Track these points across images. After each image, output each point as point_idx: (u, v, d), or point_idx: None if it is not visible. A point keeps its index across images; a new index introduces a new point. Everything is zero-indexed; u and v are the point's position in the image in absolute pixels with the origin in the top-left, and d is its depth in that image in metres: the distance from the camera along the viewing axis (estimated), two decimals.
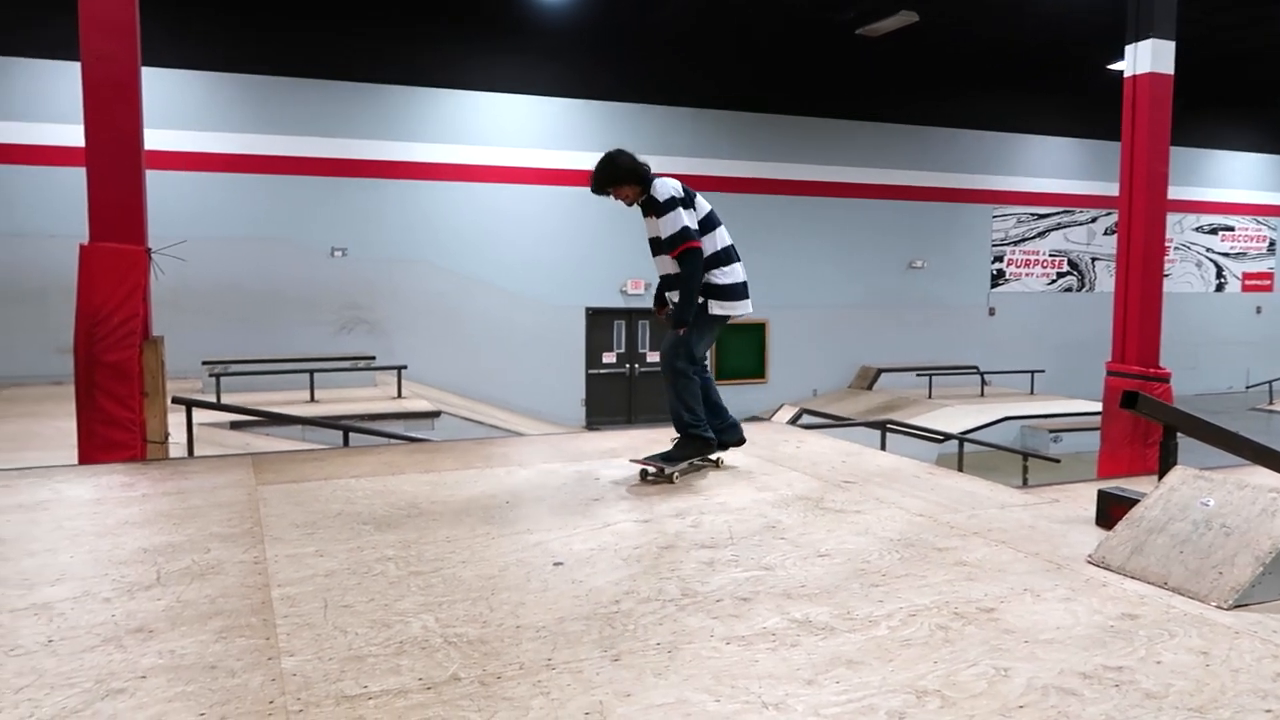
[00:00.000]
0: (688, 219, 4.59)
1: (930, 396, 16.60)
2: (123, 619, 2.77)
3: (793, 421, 10.06)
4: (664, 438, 5.73)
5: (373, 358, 14.10)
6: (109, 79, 5.68)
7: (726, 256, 4.75)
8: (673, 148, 16.29)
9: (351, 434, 7.82)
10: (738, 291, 4.77)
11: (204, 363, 12.47)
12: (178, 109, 13.42)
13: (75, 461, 5.46)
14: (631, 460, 4.82)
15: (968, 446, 10.85)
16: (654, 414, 16.69)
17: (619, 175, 4.64)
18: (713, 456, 4.96)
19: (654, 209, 4.65)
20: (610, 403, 16.76)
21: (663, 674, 2.41)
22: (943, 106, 18.49)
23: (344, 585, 3.07)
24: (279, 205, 14.22)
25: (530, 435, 9.18)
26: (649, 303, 17.23)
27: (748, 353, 17.72)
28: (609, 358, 16.83)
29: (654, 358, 17.10)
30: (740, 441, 5.02)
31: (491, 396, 15.26)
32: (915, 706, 2.23)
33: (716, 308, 4.71)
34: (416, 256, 15.11)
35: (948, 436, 11.10)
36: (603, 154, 4.71)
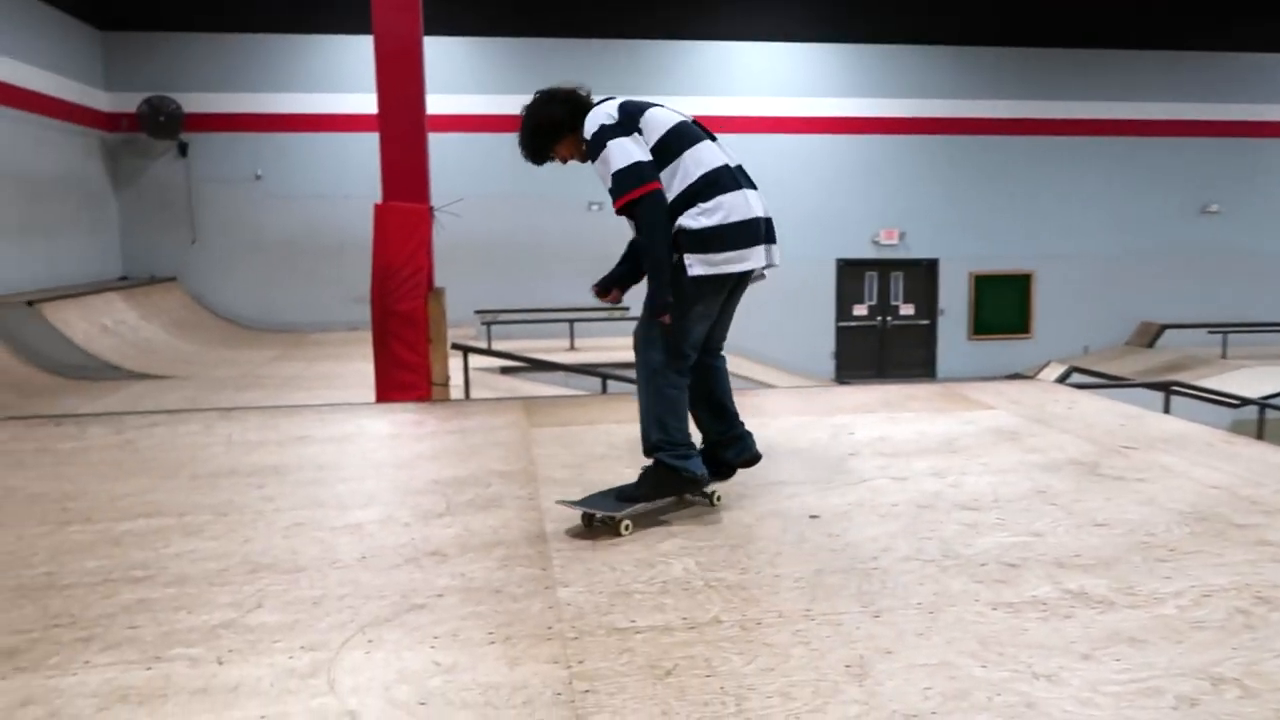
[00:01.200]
0: (635, 149, 3.15)
1: (1224, 356, 14.90)
2: (420, 542, 3.09)
3: (1062, 380, 9.39)
4: (920, 394, 5.55)
5: (627, 308, 14.58)
6: (397, 50, 6.19)
7: (710, 185, 3.15)
8: (929, 89, 15.48)
9: (609, 381, 8.18)
10: (733, 234, 3.13)
11: (476, 312, 13.44)
12: (446, 74, 14.37)
13: (373, 400, 6.10)
14: (559, 501, 3.36)
15: (1270, 414, 9.67)
16: (907, 369, 16.16)
17: (541, 133, 3.37)
18: (707, 489, 3.41)
19: (590, 154, 3.28)
20: (861, 356, 16.38)
21: (925, 634, 2.37)
22: (1244, 28, 16.25)
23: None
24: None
25: (780, 388, 9.19)
26: (902, 253, 16.70)
27: (1010, 306, 16.66)
28: (860, 310, 16.42)
29: (908, 309, 16.51)
30: (750, 461, 3.49)
31: (740, 347, 15.32)
32: (1210, 694, 2.06)
33: (699, 266, 3.14)
34: None
35: (1245, 401, 9.94)
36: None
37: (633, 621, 2.46)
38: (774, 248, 3.31)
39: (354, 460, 4.24)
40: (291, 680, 2.16)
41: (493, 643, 2.35)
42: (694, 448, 3.31)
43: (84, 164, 13.00)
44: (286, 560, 2.94)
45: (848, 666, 2.20)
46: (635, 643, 2.34)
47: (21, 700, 2.09)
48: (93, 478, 3.94)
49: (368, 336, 6.21)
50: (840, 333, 16.36)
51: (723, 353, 3.58)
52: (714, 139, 3.32)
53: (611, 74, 15.08)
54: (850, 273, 16.26)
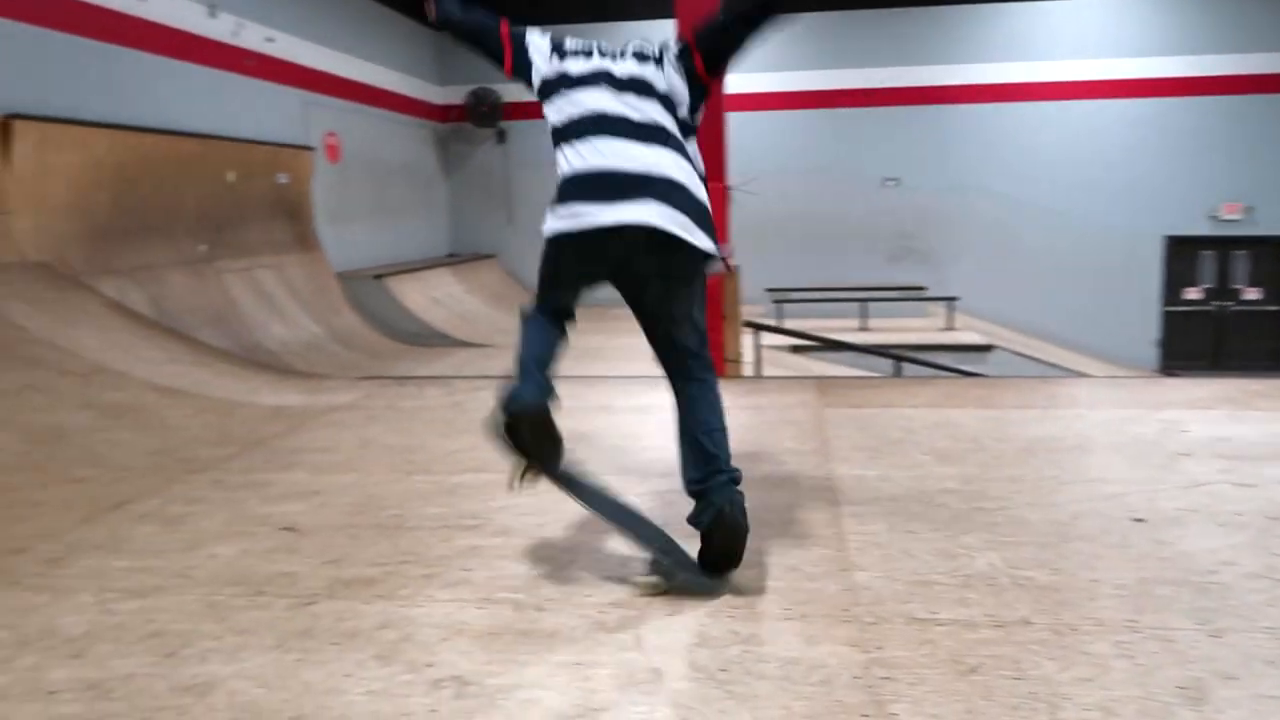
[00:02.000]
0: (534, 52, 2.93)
1: None
2: None
3: None
4: (1270, 391, 4.89)
5: (923, 288, 14.03)
6: None
7: (567, 133, 2.72)
8: None
9: (903, 363, 7.93)
10: (567, 192, 2.65)
11: (767, 290, 13.51)
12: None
13: None
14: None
15: None
16: (1250, 361, 14.24)
17: None
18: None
19: None
20: (1192, 345, 14.64)
21: (1276, 663, 2.10)
22: None
23: (908, 511, 3.17)
24: (837, 138, 14.69)
25: (1097, 377, 8.45)
26: (1248, 230, 14.64)
27: None
28: (1193, 294, 14.67)
29: (1253, 294, 14.52)
30: (719, 538, 2.55)
31: (1048, 332, 14.29)
32: None
33: (547, 224, 2.71)
34: (971, 183, 14.59)
35: None
36: None
37: (934, 613, 2.39)
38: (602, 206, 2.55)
39: (654, 430, 4.43)
40: (602, 633, 2.32)
41: (789, 619, 2.38)
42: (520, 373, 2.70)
43: (420, 152, 14.50)
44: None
45: (1181, 688, 2.00)
46: (936, 635, 2.27)
47: (380, 624, 2.40)
48: (430, 433, 4.42)
49: None
50: (1167, 318, 14.72)
51: (701, 372, 2.83)
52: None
53: (915, 44, 14.50)
54: (1181, 251, 14.55)
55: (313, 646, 2.28)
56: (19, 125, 6.53)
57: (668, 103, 2.71)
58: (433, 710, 1.98)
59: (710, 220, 2.63)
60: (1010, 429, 4.29)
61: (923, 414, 4.58)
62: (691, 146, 2.73)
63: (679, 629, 2.34)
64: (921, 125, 14.60)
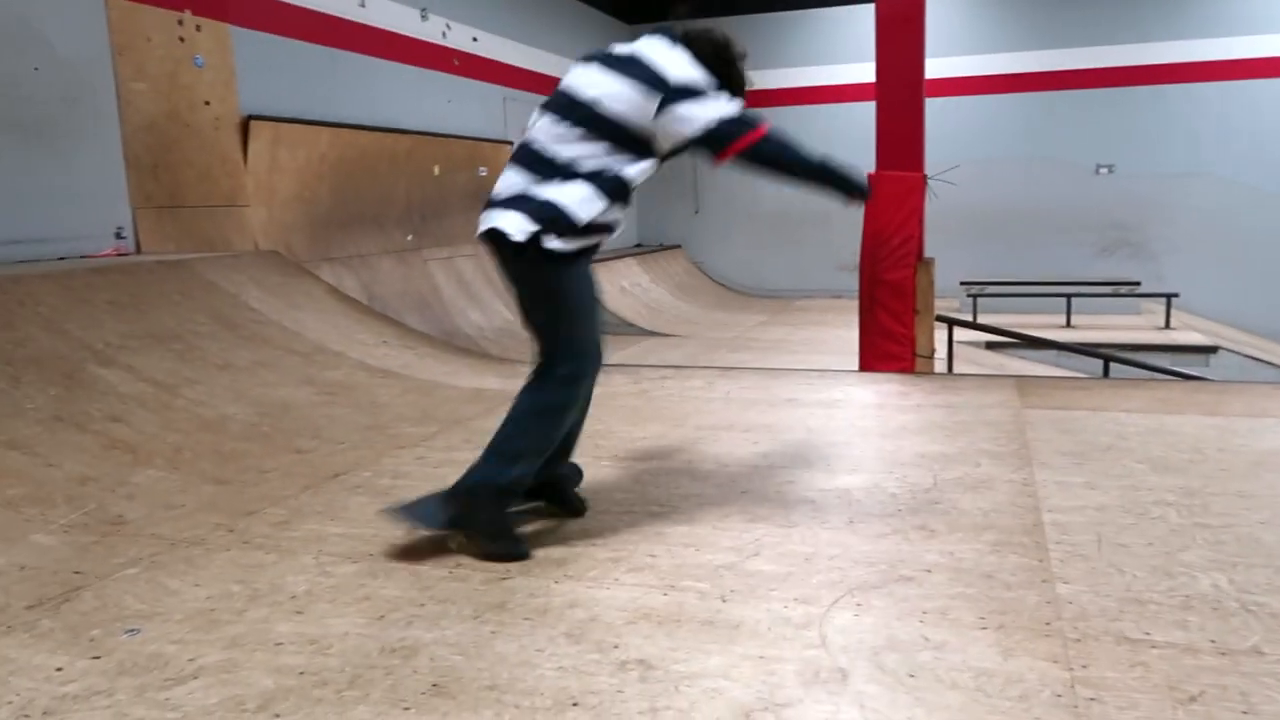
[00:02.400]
0: None
1: None
2: (908, 514, 3.08)
3: None
4: None
5: (1137, 283, 13.04)
6: (898, 15, 6.11)
7: None
8: None
9: (1112, 364, 7.40)
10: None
11: (962, 283, 12.95)
12: (943, 36, 13.86)
13: (856, 368, 6.19)
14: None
15: None
16: None
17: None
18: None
19: None
20: None
21: None
22: None
23: (1118, 523, 2.96)
24: (1042, 123, 13.86)
25: None
26: None
27: None
28: None
29: None
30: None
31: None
32: None
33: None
34: (1196, 169, 13.40)
35: None
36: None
37: (1147, 634, 2.22)
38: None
39: (841, 425, 4.35)
40: (786, 628, 2.30)
41: (984, 628, 2.27)
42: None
43: None
44: (779, 515, 3.12)
45: None
46: (1150, 658, 2.11)
47: (569, 603, 2.48)
48: (617, 420, 4.52)
49: (849, 304, 6.31)
50: None
51: (531, 378, 2.95)
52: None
53: (1130, 19, 13.46)
54: None
55: (507, 620, 2.39)
56: (255, 125, 7.17)
57: (606, 128, 2.71)
58: (619, 691, 2.03)
59: (559, 217, 2.66)
60: (1237, 439, 3.92)
61: (1136, 419, 4.26)
62: (628, 164, 2.75)
63: (866, 629, 2.28)
64: (1138, 107, 13.54)
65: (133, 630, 2.38)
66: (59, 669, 2.19)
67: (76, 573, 2.74)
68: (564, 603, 2.48)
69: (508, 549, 2.79)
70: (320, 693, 2.06)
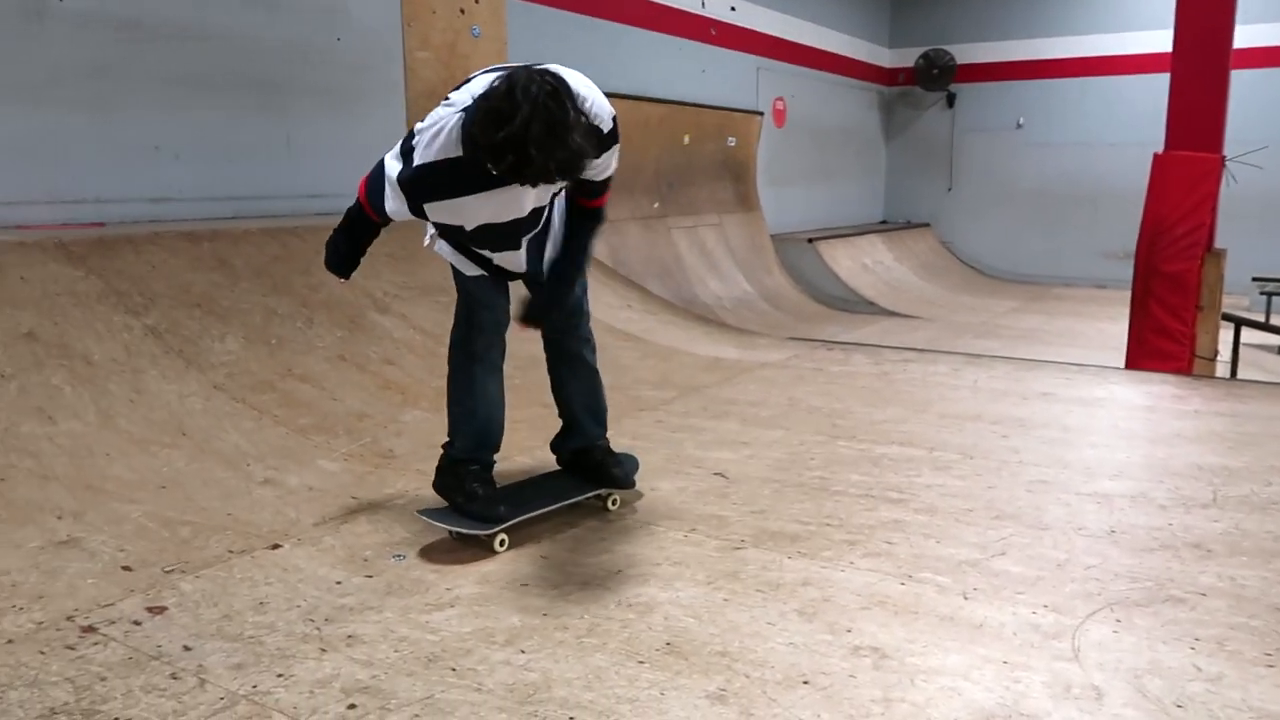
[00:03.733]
0: None
1: None
2: (1179, 530, 2.81)
3: None
4: None
5: None
6: None
7: None
8: None
9: None
10: None
11: (1255, 279, 11.55)
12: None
13: (1121, 365, 5.70)
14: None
15: None
16: None
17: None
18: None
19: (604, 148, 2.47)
20: None
21: None
22: None
23: None
24: None
25: None
26: None
27: None
28: None
29: None
30: None
31: None
32: None
33: None
34: None
35: None
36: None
37: None
38: None
39: (1103, 426, 4.02)
40: (1034, 635, 2.17)
41: (1271, 665, 2.03)
42: None
43: (863, 116, 14.36)
44: (1030, 515, 2.94)
45: None
46: None
47: (802, 580, 2.46)
48: (856, 400, 4.42)
49: (1114, 295, 5.82)
50: None
51: None
52: None
53: None
54: None
55: (739, 589, 2.41)
56: None
57: None
58: (851, 676, 2.00)
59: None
60: None
61: None
62: None
63: (1126, 648, 2.11)
64: None
65: (399, 555, 2.61)
66: (338, 582, 2.44)
67: (354, 498, 3.04)
68: (796, 579, 2.46)
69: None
70: (561, 635, 2.16)
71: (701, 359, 5.28)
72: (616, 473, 2.95)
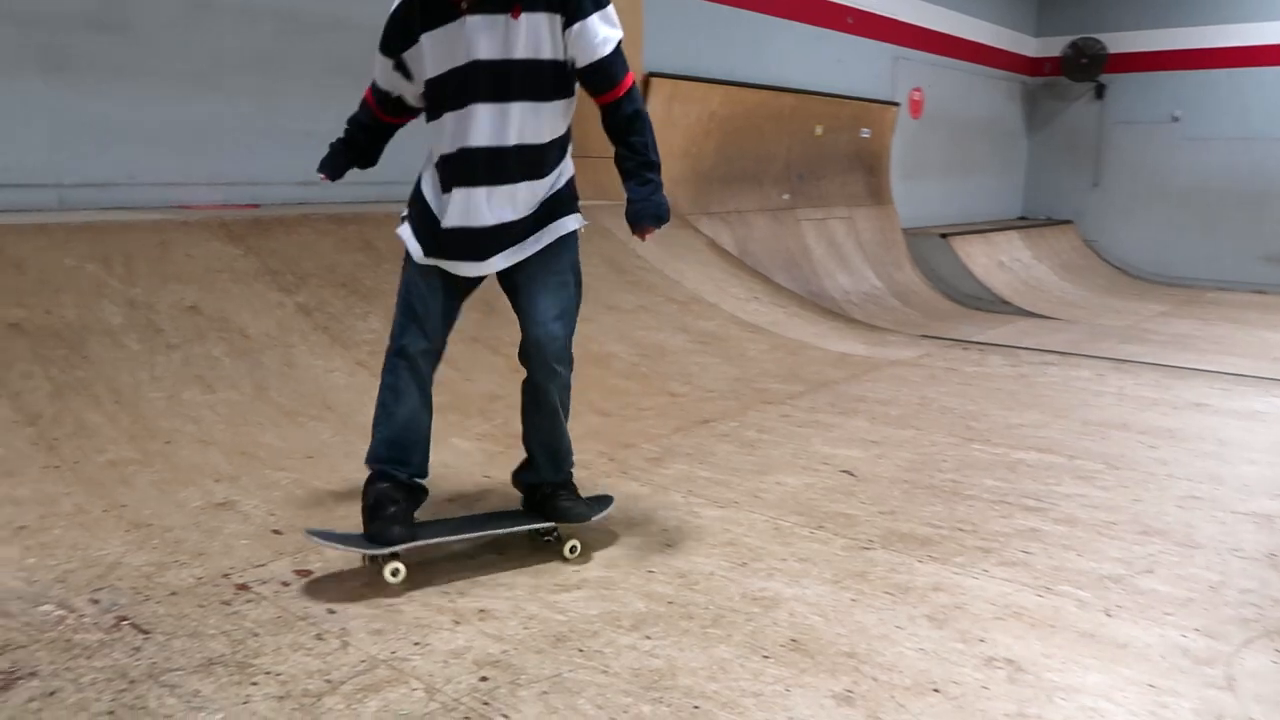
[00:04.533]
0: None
1: None
2: None
3: None
4: None
5: None
6: None
7: None
8: None
9: None
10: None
11: None
12: None
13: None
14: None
15: None
16: None
17: None
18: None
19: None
20: None
21: None
22: None
23: None
24: None
25: None
26: None
27: None
28: None
29: None
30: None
31: None
32: None
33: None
34: None
35: None
36: None
37: None
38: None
39: (1262, 441, 3.76)
40: (1184, 659, 2.05)
41: None
42: None
43: (1004, 108, 13.80)
44: (1179, 531, 2.79)
45: None
46: None
47: (933, 585, 2.40)
48: (991, 403, 4.27)
49: (1275, 301, 5.40)
50: None
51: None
52: None
53: None
54: None
55: (867, 590, 2.37)
56: (655, 82, 7.56)
57: None
58: (984, 687, 1.94)
59: None
60: None
61: None
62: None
63: None
64: None
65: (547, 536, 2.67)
66: (470, 557, 2.52)
67: (485, 475, 3.13)
68: (927, 584, 2.41)
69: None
70: (686, 624, 2.18)
71: (830, 354, 5.20)
72: (565, 505, 2.54)
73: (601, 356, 4.48)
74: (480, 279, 2.49)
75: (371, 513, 2.36)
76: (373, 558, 2.38)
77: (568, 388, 2.55)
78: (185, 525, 2.59)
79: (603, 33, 2.28)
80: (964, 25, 12.34)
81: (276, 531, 2.61)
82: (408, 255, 2.47)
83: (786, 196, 9.21)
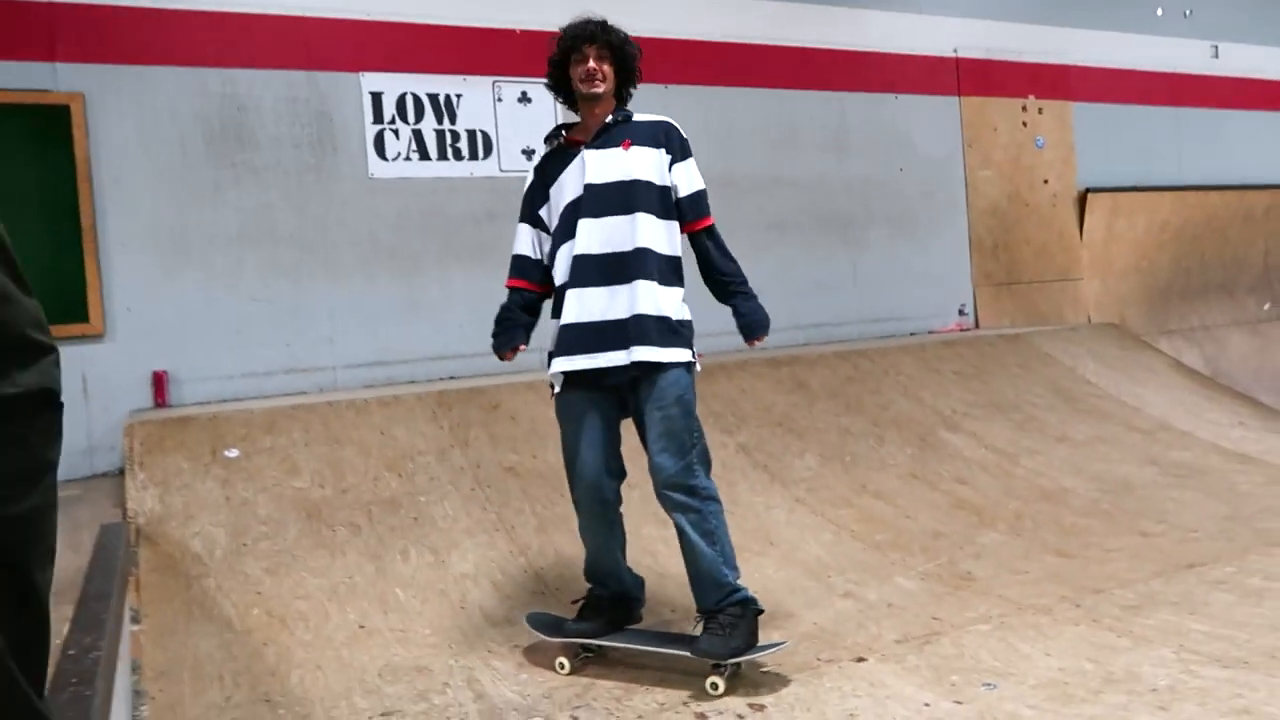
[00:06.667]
0: None
1: None
2: None
3: None
4: None
5: None
6: None
7: None
8: None
9: None
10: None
11: None
12: None
13: None
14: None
15: None
16: None
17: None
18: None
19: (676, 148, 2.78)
20: None
21: None
22: None
23: None
24: None
25: None
26: None
27: None
28: None
29: None
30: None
31: None
32: None
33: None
34: None
35: None
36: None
37: None
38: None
39: None
40: None
41: None
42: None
43: None
44: None
45: None
46: None
47: None
48: None
49: None
50: None
51: None
52: None
53: None
54: None
55: None
56: (1093, 198, 7.08)
57: None
58: None
59: None
60: None
61: None
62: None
63: None
64: None
65: (990, 685, 2.46)
66: (926, 704, 2.37)
67: (935, 618, 2.96)
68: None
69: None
70: None
71: None
72: (703, 639, 2.55)
73: (1054, 492, 4.11)
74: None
75: (582, 611, 2.81)
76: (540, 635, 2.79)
77: (699, 512, 2.68)
78: (648, 653, 2.76)
79: (693, 174, 2.80)
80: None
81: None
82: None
83: (1268, 306, 7.98)
